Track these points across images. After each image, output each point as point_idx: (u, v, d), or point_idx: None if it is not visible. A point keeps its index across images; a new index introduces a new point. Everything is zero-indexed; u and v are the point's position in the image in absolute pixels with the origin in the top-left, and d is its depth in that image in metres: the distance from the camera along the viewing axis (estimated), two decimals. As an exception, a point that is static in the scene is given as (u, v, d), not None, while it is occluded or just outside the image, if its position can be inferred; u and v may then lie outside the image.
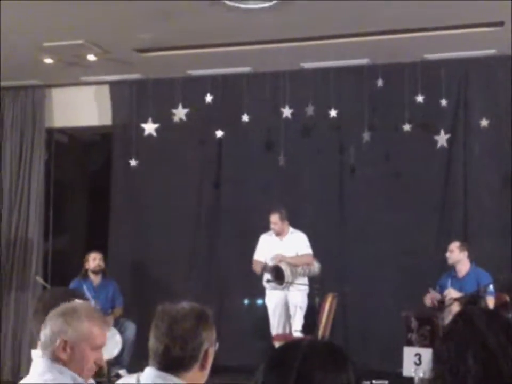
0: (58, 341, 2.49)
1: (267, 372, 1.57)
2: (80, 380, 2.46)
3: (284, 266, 7.49)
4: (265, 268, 7.63)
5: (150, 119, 8.33)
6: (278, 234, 7.72)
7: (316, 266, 7.67)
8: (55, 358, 2.49)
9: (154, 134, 8.24)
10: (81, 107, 9.15)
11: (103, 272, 8.05)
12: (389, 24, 6.96)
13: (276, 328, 7.71)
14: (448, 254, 7.30)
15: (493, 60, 7.89)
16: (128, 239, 8.90)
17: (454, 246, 7.32)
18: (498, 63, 7.86)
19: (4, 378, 8.29)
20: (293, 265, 7.52)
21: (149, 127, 8.26)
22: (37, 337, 3.13)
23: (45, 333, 2.53)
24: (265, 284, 7.71)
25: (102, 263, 8.03)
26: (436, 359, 1.98)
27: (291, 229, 7.76)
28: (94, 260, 7.98)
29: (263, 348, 7.73)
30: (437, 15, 6.62)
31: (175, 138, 8.59)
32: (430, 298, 7.20)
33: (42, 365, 2.50)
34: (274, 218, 7.68)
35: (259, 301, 8.21)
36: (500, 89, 7.88)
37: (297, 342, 1.63)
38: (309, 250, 7.67)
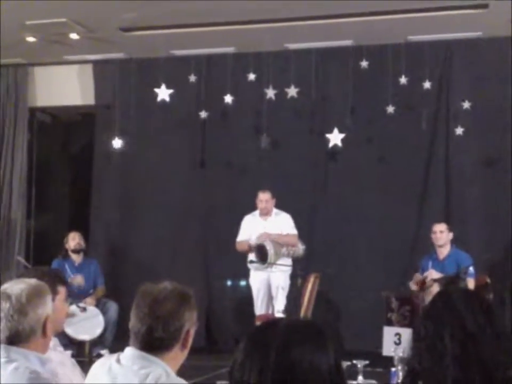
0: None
1: (246, 351, 1.57)
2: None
3: (268, 246, 7.46)
4: (249, 247, 7.60)
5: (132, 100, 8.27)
6: (265, 213, 7.66)
7: (300, 248, 7.65)
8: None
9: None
10: (64, 86, 9.08)
11: (83, 251, 8.01)
12: (373, 6, 6.95)
13: (259, 308, 7.73)
14: (437, 235, 7.20)
15: (477, 42, 7.90)
16: (111, 219, 8.86)
17: (443, 227, 7.25)
18: (482, 45, 7.86)
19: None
20: (277, 245, 7.51)
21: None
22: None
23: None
24: (248, 264, 7.71)
25: (82, 242, 7.96)
26: (414, 337, 2.01)
27: (275, 210, 7.72)
28: (73, 239, 7.90)
29: (247, 328, 7.74)
30: (421, -4, 6.62)
31: (159, 118, 8.56)
32: (416, 282, 7.14)
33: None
34: (265, 196, 7.60)
35: (243, 282, 8.22)
36: (483, 72, 7.89)
37: (276, 321, 1.63)
38: (293, 231, 7.63)
